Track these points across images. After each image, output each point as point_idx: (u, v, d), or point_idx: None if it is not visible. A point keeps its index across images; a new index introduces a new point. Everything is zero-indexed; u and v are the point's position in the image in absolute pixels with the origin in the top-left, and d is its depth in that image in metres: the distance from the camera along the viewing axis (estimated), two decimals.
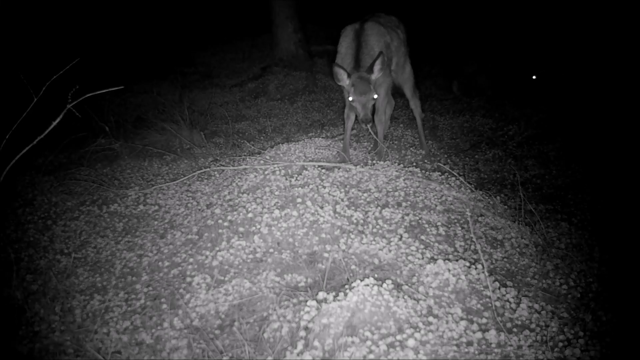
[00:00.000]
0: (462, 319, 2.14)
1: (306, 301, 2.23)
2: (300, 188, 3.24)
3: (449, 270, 2.38)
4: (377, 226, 2.88)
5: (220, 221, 2.98)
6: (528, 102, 5.56)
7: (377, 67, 3.49)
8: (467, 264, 2.47)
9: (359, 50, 3.66)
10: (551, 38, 6.71)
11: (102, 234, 3.06)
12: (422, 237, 2.78)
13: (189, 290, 2.47)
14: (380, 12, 4.20)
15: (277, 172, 3.46)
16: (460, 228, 2.90)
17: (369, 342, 1.96)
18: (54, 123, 2.49)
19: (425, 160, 4.25)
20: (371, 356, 1.91)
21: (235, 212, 3.03)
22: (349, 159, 3.93)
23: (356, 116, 3.95)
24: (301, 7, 7.89)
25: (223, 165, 3.92)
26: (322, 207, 3.01)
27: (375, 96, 3.53)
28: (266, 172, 3.47)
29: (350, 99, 3.53)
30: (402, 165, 3.73)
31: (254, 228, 2.89)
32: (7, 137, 2.51)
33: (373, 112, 3.72)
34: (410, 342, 1.96)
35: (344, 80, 3.55)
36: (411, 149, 4.52)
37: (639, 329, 2.18)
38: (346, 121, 3.96)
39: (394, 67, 3.97)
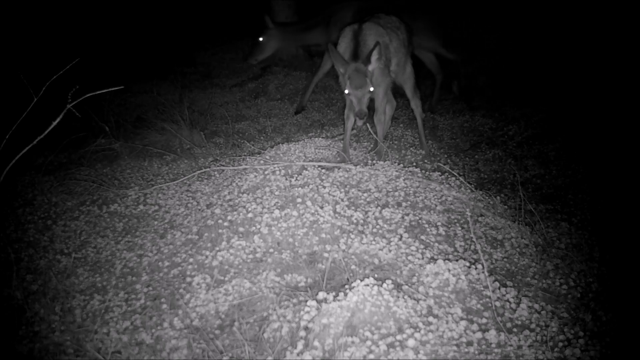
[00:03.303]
0: (462, 319, 2.14)
1: (306, 301, 2.24)
2: (300, 188, 3.24)
3: (449, 270, 2.38)
4: (377, 226, 2.88)
5: (220, 221, 2.98)
6: (528, 102, 5.56)
7: (374, 57, 3.45)
8: (467, 264, 2.47)
9: (357, 49, 3.66)
10: (551, 38, 6.72)
11: (102, 234, 3.06)
12: (422, 237, 2.78)
13: (189, 290, 2.47)
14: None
15: (277, 172, 3.46)
16: (460, 228, 2.90)
17: (369, 342, 1.96)
18: (54, 123, 2.49)
19: (425, 160, 4.25)
20: (371, 356, 1.91)
21: (235, 212, 3.03)
22: (349, 159, 3.94)
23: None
24: (301, 7, 7.89)
25: (223, 165, 3.92)
26: (322, 207, 3.01)
27: (372, 89, 3.48)
28: (266, 172, 3.47)
29: (346, 91, 3.51)
30: (402, 165, 3.73)
31: (254, 228, 2.89)
32: (7, 137, 2.51)
33: (371, 109, 3.70)
34: (410, 342, 1.96)
35: (337, 64, 3.51)
36: (411, 149, 4.52)
37: (639, 329, 2.18)
38: (346, 121, 3.96)
39: (394, 67, 3.96)
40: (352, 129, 4.05)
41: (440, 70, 5.73)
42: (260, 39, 5.57)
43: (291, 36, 5.69)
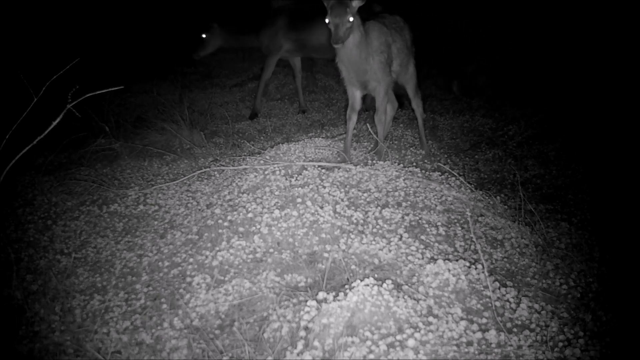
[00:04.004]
0: (462, 319, 2.14)
1: (306, 301, 2.24)
2: (300, 188, 3.24)
3: (449, 270, 2.38)
4: (377, 226, 2.88)
5: (220, 221, 2.98)
6: (528, 102, 5.56)
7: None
8: (467, 264, 2.47)
9: None
10: (551, 38, 6.72)
11: (102, 234, 3.06)
12: (422, 237, 2.78)
13: (189, 290, 2.47)
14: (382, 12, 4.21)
15: (277, 172, 3.46)
16: (460, 228, 2.90)
17: (369, 342, 1.96)
18: (54, 123, 2.49)
19: (425, 160, 4.25)
20: (371, 356, 1.91)
21: (235, 212, 3.03)
22: (350, 159, 3.94)
23: (358, 115, 3.99)
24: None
25: (223, 165, 3.92)
26: (322, 207, 3.01)
27: (351, 19, 3.49)
28: (266, 172, 3.47)
29: (327, 20, 3.54)
30: (402, 165, 3.73)
31: (254, 228, 2.89)
32: (7, 137, 2.51)
33: (373, 109, 3.70)
34: (410, 342, 1.96)
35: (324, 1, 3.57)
36: (411, 149, 4.52)
37: (639, 329, 2.18)
38: (348, 122, 3.97)
39: (396, 67, 3.98)
40: (353, 129, 4.06)
41: None
42: (203, 35, 5.77)
43: (230, 37, 5.92)
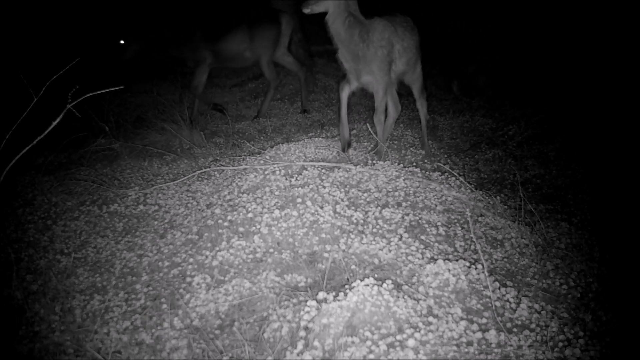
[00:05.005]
0: (462, 319, 2.14)
1: (306, 301, 2.24)
2: (300, 188, 3.24)
3: (449, 270, 2.38)
4: (377, 226, 2.88)
5: (220, 221, 2.98)
6: (528, 102, 5.56)
7: None
8: (467, 264, 2.47)
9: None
10: (551, 38, 6.71)
11: (102, 234, 3.06)
12: (422, 237, 2.78)
13: (189, 290, 2.47)
14: (379, 12, 4.22)
15: (277, 172, 3.46)
16: (460, 228, 2.90)
17: (369, 342, 1.96)
18: (54, 123, 2.49)
19: (425, 160, 4.26)
20: (371, 356, 1.91)
21: (235, 212, 3.04)
22: (347, 139, 4.01)
23: (352, 94, 4.07)
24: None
25: (223, 165, 3.92)
26: (322, 207, 3.01)
27: None
28: (266, 172, 3.47)
29: None
30: (402, 165, 3.74)
31: (254, 228, 2.89)
32: (7, 137, 2.51)
33: (372, 109, 3.72)
34: (410, 342, 1.96)
35: None
36: (411, 149, 4.52)
37: (639, 329, 2.18)
38: (341, 92, 4.01)
39: (403, 67, 4.00)
40: (352, 127, 4.09)
41: (301, 68, 5.88)
42: (122, 42, 5.66)
43: (149, 46, 5.77)
